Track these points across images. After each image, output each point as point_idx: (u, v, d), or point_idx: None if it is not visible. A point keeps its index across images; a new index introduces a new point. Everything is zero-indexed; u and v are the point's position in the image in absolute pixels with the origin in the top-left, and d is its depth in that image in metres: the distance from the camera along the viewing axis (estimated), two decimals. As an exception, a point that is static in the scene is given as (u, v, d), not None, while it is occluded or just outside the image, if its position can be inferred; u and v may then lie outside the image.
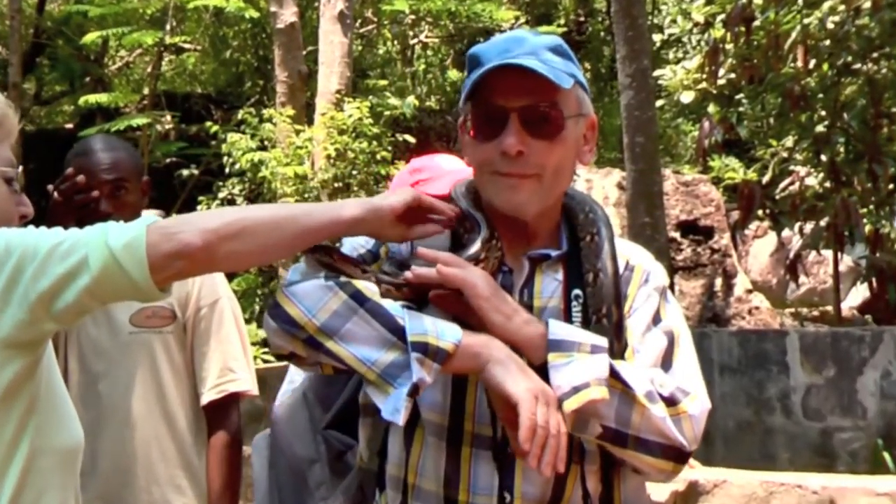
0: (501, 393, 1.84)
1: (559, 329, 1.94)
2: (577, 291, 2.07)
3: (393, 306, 1.89)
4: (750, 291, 12.57)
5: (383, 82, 15.24)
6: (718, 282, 12.49)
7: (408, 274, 1.95)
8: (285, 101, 11.91)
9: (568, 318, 2.04)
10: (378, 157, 11.15)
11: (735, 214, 12.32)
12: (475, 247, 2.01)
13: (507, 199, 2.03)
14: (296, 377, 2.56)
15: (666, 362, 2.05)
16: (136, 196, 3.22)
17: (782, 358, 8.13)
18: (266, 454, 2.54)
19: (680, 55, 17.42)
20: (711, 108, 11.89)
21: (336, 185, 11.08)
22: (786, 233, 12.01)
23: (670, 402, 1.96)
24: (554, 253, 2.11)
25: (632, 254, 2.19)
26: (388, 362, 1.84)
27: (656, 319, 2.10)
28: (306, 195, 10.90)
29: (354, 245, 2.11)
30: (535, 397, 1.82)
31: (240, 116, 11.95)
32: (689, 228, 12.70)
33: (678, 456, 1.97)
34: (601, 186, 12.55)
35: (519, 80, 1.98)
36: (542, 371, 1.90)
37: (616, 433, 1.93)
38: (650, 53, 10.74)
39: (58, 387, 2.06)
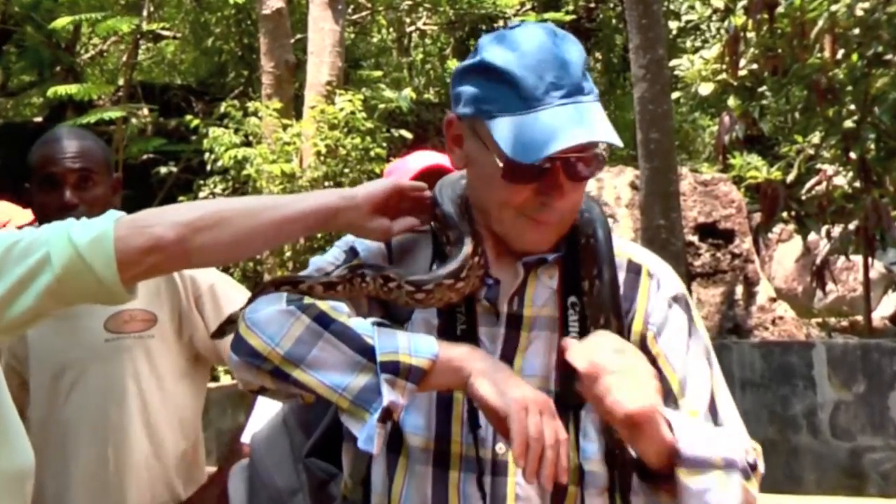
0: (489, 407, 1.81)
1: (688, 435, 1.87)
2: (573, 299, 2.04)
3: (361, 325, 1.86)
4: (773, 300, 12.56)
5: (378, 73, 15.28)
6: (739, 289, 12.48)
7: None
8: (271, 94, 11.92)
9: (564, 327, 2.01)
10: (372, 153, 11.16)
11: (757, 217, 12.32)
12: (455, 264, 1.98)
13: (531, 238, 2.00)
14: (271, 402, 2.56)
15: (711, 400, 2.05)
16: (104, 190, 3.19)
17: (808, 372, 8.13)
18: (244, 487, 2.52)
19: (698, 44, 17.44)
20: (732, 102, 11.89)
21: (326, 183, 11.08)
22: (812, 237, 12.01)
23: (754, 468, 1.95)
24: (550, 256, 2.06)
25: (634, 252, 2.15)
26: (361, 387, 1.81)
27: (690, 343, 2.08)
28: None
29: (320, 265, 2.10)
30: (525, 408, 1.77)
31: (222, 110, 11.94)
32: (708, 232, 12.69)
33: None
34: (613, 186, 12.55)
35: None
36: (657, 472, 1.89)
37: None
38: (665, 42, 10.74)
39: (4, 407, 2.04)
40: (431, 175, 3.03)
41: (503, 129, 1.91)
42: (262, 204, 1.98)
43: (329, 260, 2.11)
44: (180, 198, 11.93)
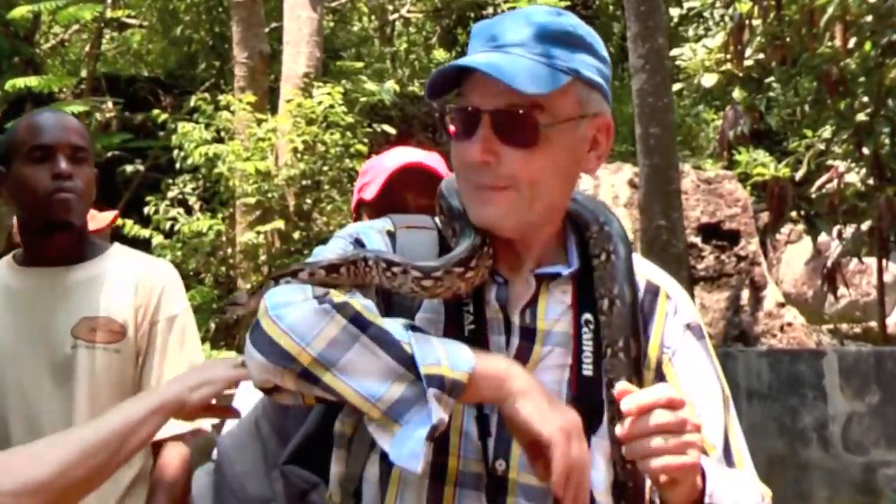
0: (529, 431, 1.82)
1: (716, 482, 1.93)
2: (587, 316, 2.07)
3: (396, 328, 1.86)
4: (782, 305, 12.59)
5: (359, 64, 15.25)
6: (745, 294, 12.51)
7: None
8: (245, 86, 11.91)
9: (577, 345, 2.04)
10: (352, 150, 11.16)
11: (764, 216, 12.35)
12: (464, 252, 2.01)
13: (478, 213, 2.04)
14: (242, 403, 2.55)
15: (725, 438, 2.10)
16: (91, 175, 3.25)
17: (819, 382, 8.15)
18: (210, 493, 2.50)
19: (701, 32, 17.47)
20: (737, 94, 11.92)
21: (304, 182, 11.09)
22: (822, 238, 12.05)
23: None
24: (565, 271, 2.10)
25: (653, 273, 2.19)
26: (396, 398, 1.81)
27: (706, 374, 2.13)
28: (269, 194, 10.90)
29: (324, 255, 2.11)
30: (569, 435, 1.81)
31: (192, 103, 11.93)
32: (712, 232, 12.71)
33: None
34: (610, 184, 12.56)
35: (495, 78, 1.97)
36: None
37: None
38: (666, 30, 10.75)
39: None
40: (408, 173, 3.05)
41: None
42: (110, 432, 2.16)
43: (332, 249, 2.11)
44: (148, 197, 11.91)
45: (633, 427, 1.79)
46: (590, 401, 1.95)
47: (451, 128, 2.08)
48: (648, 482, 1.96)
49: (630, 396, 1.81)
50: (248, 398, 2.53)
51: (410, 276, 1.97)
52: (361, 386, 1.81)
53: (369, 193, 3.11)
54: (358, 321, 1.85)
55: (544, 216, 2.10)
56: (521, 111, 1.98)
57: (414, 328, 1.89)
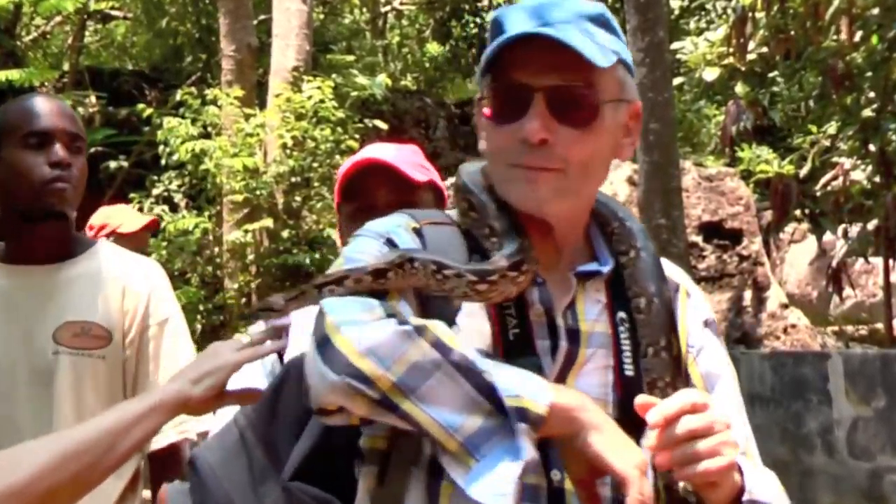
0: (603, 466, 1.82)
1: (755, 482, 1.95)
2: (621, 314, 2.07)
3: (475, 356, 1.83)
4: (785, 306, 12.60)
5: (349, 58, 15.27)
6: (748, 295, 12.52)
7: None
8: (232, 80, 11.90)
9: (617, 345, 2.04)
10: (343, 146, 11.17)
11: (768, 215, 12.36)
12: (517, 254, 1.98)
13: (525, 193, 2.01)
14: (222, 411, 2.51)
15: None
16: (85, 165, 3.23)
17: (823, 385, 8.15)
18: None
19: (702, 25, 17.48)
20: (739, 89, 11.92)
21: (293, 179, 11.09)
22: (828, 237, 12.05)
23: None
24: (604, 269, 2.10)
25: (670, 269, 2.20)
26: (475, 430, 1.78)
27: (726, 372, 2.15)
28: (258, 191, 10.89)
29: (356, 257, 2.05)
30: (643, 473, 1.82)
31: (178, 98, 11.94)
32: (714, 231, 12.72)
33: None
34: (608, 181, 12.54)
35: (548, 53, 1.96)
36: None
37: None
38: (666, 23, 10.76)
39: None
40: (363, 172, 3.03)
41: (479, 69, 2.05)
42: (87, 433, 2.13)
43: (366, 251, 2.05)
44: (132, 194, 11.91)
45: (663, 438, 1.80)
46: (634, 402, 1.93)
47: (486, 111, 2.06)
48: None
49: (655, 409, 1.82)
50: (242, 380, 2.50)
51: (465, 279, 1.94)
52: (440, 415, 1.78)
53: (337, 197, 3.12)
54: (440, 346, 1.81)
55: (586, 205, 2.12)
56: (579, 88, 1.99)
57: (487, 354, 1.87)
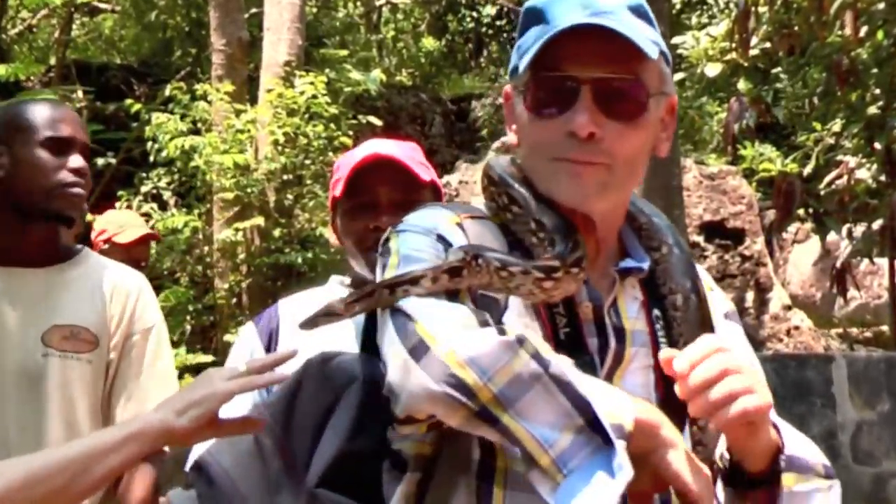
0: (681, 485, 1.82)
1: (793, 441, 1.97)
2: (657, 312, 2.09)
3: (570, 369, 1.81)
4: (788, 308, 12.62)
5: (343, 52, 15.24)
6: (750, 296, 12.54)
7: None
8: (223, 75, 11.88)
9: (655, 343, 2.06)
10: (336, 143, 11.14)
11: (771, 214, 12.37)
12: (575, 250, 1.97)
13: (571, 188, 2.00)
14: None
15: None
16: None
17: (827, 389, 8.16)
18: None
19: (704, 20, 17.50)
20: (742, 85, 11.92)
21: (285, 177, 11.07)
22: (832, 237, 12.06)
23: (832, 476, 2.05)
24: (645, 265, 2.11)
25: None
26: (566, 445, 1.75)
27: (752, 361, 2.14)
28: (248, 189, 10.87)
29: (415, 255, 2.02)
30: (713, 493, 1.85)
31: (167, 93, 11.90)
32: (715, 231, 12.75)
33: None
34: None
35: (596, 44, 1.96)
36: (756, 479, 1.94)
37: None
38: (667, 17, 10.76)
39: None
40: (376, 166, 3.03)
41: (524, 58, 2.02)
42: (56, 458, 2.14)
43: (422, 248, 2.03)
44: (120, 192, 11.89)
45: (694, 381, 1.80)
46: (675, 401, 1.91)
47: (523, 102, 2.06)
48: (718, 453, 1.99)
49: (679, 357, 1.83)
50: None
51: (532, 276, 1.93)
52: (537, 430, 1.76)
53: (339, 190, 3.09)
54: (539, 358, 1.79)
55: (625, 201, 2.13)
56: (628, 81, 1.99)
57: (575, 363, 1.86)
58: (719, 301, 2.21)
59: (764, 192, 13.74)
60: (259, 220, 10.85)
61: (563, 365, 1.80)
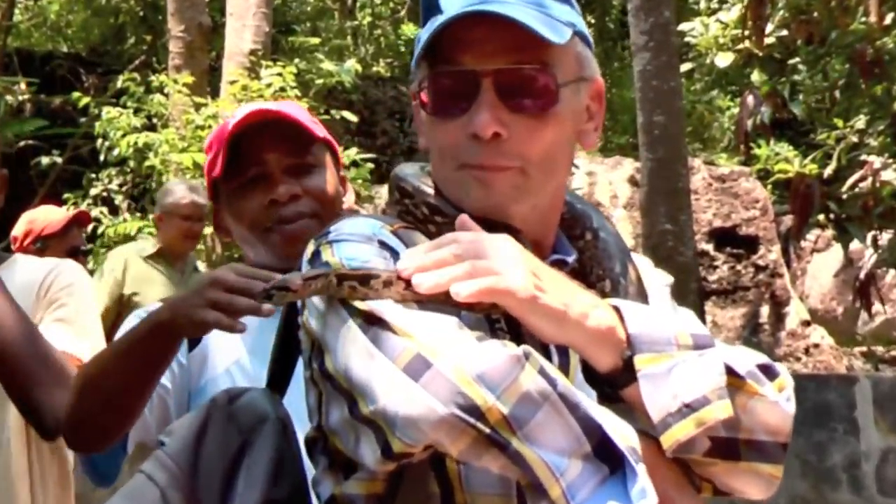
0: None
1: (637, 316, 1.86)
2: None
3: (573, 387, 1.77)
4: (807, 323, 12.65)
5: (314, 40, 15.27)
6: (765, 310, 12.56)
7: (402, 266, 1.83)
8: (181, 65, 11.89)
9: None
10: (307, 140, 11.14)
11: (788, 220, 12.39)
12: None
13: (480, 198, 1.98)
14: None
15: None
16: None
17: (850, 413, 8.17)
18: None
19: (714, 4, 17.53)
20: (756, 77, 11.95)
21: (250, 177, 11.05)
22: (855, 245, 12.08)
23: (773, 374, 1.91)
24: (570, 258, 2.09)
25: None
26: (576, 474, 1.71)
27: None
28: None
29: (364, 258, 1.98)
30: None
31: (119, 84, 11.90)
32: (726, 239, 12.77)
33: (785, 450, 1.93)
34: (607, 181, 12.60)
35: (495, 31, 1.93)
36: (619, 377, 1.84)
37: (727, 443, 1.86)
38: (673, 2, 10.79)
39: None
40: (259, 127, 2.88)
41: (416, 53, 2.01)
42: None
43: (369, 257, 1.96)
44: (66, 195, 11.87)
45: (423, 263, 1.81)
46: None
47: (427, 104, 2.03)
48: None
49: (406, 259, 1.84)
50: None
51: None
52: (549, 455, 1.71)
53: (217, 168, 2.93)
54: (546, 374, 1.74)
55: (553, 201, 2.09)
56: (533, 69, 1.95)
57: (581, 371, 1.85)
58: (659, 274, 2.20)
59: (780, 196, 13.76)
60: (220, 226, 10.84)
61: (568, 384, 1.76)
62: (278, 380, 2.24)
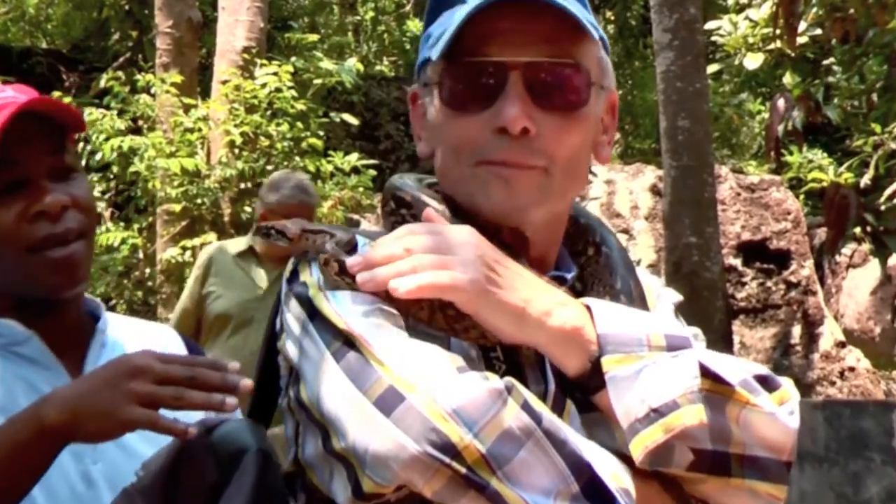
0: None
1: (608, 316, 1.88)
2: None
3: (560, 421, 1.78)
4: (842, 345, 12.63)
5: (313, 37, 15.25)
6: (797, 330, 12.55)
7: (353, 261, 1.85)
8: (169, 63, 11.90)
9: None
10: (304, 145, 11.15)
11: (822, 233, 12.39)
12: None
13: (501, 198, 1.96)
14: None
15: None
16: None
17: (888, 442, 8.17)
18: None
19: (743, 1, 17.55)
20: (788, 79, 11.96)
21: (243, 185, 11.06)
22: (894, 260, 12.08)
23: (772, 385, 1.91)
24: (569, 275, 2.08)
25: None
26: None
27: None
28: (199, 199, 10.87)
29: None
30: None
31: (102, 84, 11.91)
32: (755, 253, 12.76)
33: (788, 469, 1.95)
34: (627, 190, 12.59)
35: (524, 22, 1.93)
36: (589, 381, 1.84)
37: (714, 457, 1.84)
38: (700, -2, 10.80)
39: None
40: (17, 122, 2.49)
41: (438, 43, 1.98)
42: None
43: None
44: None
45: (372, 259, 1.84)
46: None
47: (436, 101, 2.02)
48: None
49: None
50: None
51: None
52: (531, 497, 1.71)
53: None
54: (529, 409, 1.75)
55: (566, 211, 2.10)
56: (566, 64, 1.95)
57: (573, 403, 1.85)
58: (668, 293, 2.19)
59: (813, 207, 13.77)
60: (211, 237, 10.82)
61: (554, 418, 1.76)
62: (261, 408, 2.21)
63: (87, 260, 2.60)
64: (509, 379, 1.76)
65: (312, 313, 1.91)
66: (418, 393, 1.73)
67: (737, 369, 1.86)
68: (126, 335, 2.75)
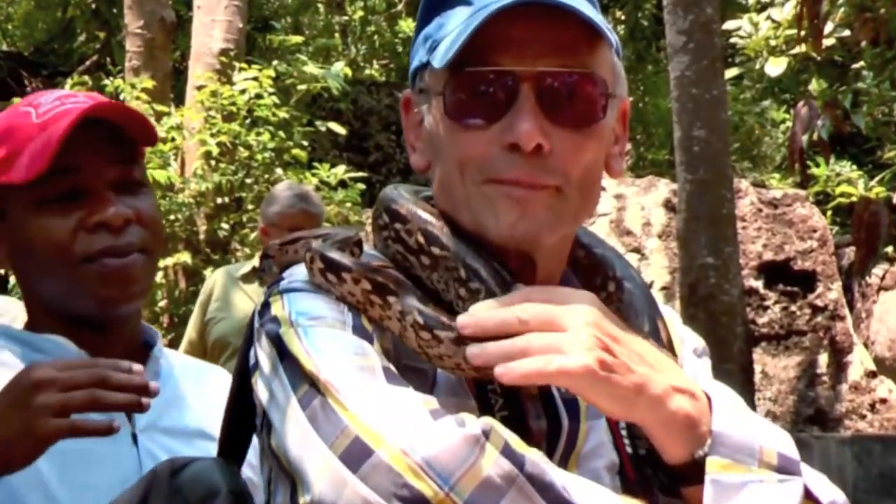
0: None
1: (727, 414, 1.86)
2: None
3: (547, 464, 1.77)
4: (873, 375, 12.63)
5: (297, 39, 15.30)
6: (823, 359, 12.55)
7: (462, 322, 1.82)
8: (140, 66, 11.92)
9: None
10: (286, 156, 11.16)
11: (850, 252, 12.39)
12: None
13: (512, 219, 1.95)
14: None
15: None
16: None
17: (923, 479, 8.17)
18: None
19: (765, 0, 17.60)
20: (814, 85, 11.97)
21: (220, 200, 11.06)
22: (929, 282, 12.10)
23: (790, 472, 1.89)
24: None
25: None
26: None
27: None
28: (172, 215, 10.87)
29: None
30: None
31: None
32: (778, 274, 12.76)
33: None
34: (639, 206, 12.59)
35: (537, 30, 1.92)
36: (685, 471, 1.84)
37: None
38: (718, -3, 10.82)
39: None
40: (92, 127, 2.60)
41: (443, 49, 1.96)
42: None
43: (323, 312, 1.96)
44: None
45: (475, 329, 1.81)
46: (641, 475, 1.94)
47: (437, 111, 2.01)
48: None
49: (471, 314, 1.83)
50: None
51: (465, 349, 1.85)
52: None
53: (21, 172, 2.60)
54: (510, 454, 1.73)
55: (574, 233, 2.11)
56: (582, 75, 1.95)
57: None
58: (692, 337, 2.20)
59: (841, 224, 13.77)
60: (184, 256, 10.84)
61: (540, 460, 1.75)
62: (233, 447, 2.20)
63: (146, 277, 2.66)
64: (487, 421, 1.75)
65: (282, 353, 1.90)
66: (387, 446, 1.72)
67: (826, 491, 1.88)
68: (181, 369, 2.83)
